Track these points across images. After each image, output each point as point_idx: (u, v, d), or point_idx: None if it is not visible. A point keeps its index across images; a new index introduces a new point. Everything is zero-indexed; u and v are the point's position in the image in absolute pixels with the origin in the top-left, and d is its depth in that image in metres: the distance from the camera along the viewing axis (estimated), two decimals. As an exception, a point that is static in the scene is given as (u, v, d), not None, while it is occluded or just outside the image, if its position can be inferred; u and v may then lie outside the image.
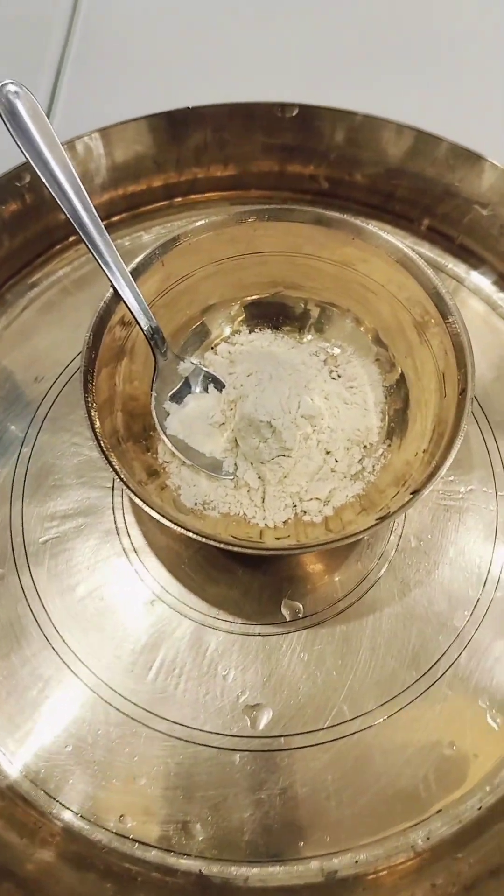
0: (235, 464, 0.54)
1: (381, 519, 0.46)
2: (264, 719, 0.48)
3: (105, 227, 0.50)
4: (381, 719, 0.48)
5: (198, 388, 0.56)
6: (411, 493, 0.46)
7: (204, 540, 0.45)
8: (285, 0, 0.90)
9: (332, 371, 0.59)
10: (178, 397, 0.56)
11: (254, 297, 0.60)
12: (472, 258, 0.67)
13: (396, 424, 0.56)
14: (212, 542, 0.45)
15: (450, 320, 0.50)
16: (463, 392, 0.48)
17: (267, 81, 0.81)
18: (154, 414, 0.54)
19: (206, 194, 0.70)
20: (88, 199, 0.49)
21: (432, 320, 0.52)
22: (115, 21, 0.88)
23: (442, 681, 0.49)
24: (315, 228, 0.54)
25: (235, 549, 0.45)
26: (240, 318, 0.61)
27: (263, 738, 0.48)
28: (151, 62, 0.84)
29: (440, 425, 0.50)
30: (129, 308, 0.51)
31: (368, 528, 0.46)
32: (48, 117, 0.76)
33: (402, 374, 0.56)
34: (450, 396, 0.50)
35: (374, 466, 0.55)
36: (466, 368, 0.48)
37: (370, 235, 0.53)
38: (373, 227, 0.53)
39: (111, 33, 0.87)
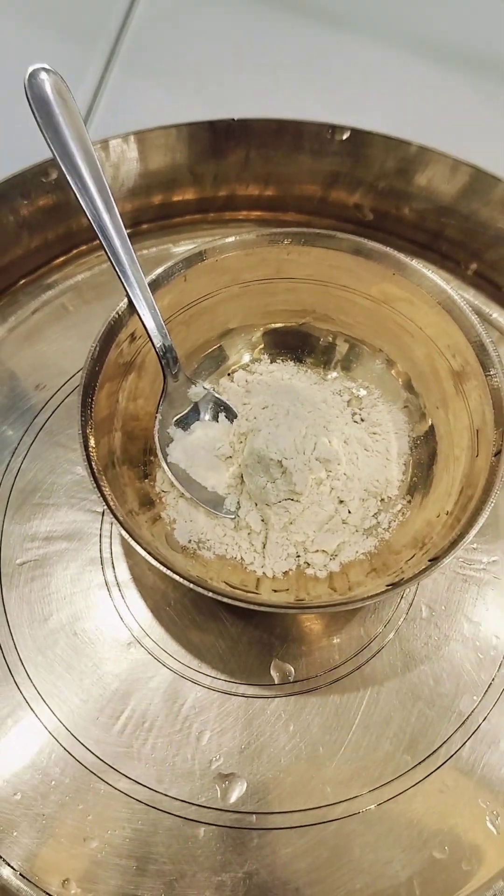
0: (238, 502, 0.50)
1: (393, 585, 0.41)
2: (237, 792, 0.44)
3: (131, 235, 0.46)
4: (367, 808, 0.43)
5: (207, 416, 0.52)
6: (430, 561, 0.42)
7: (189, 584, 0.40)
8: (347, 16, 0.87)
9: (355, 414, 0.54)
10: (184, 423, 0.51)
11: (279, 325, 0.56)
12: (520, 310, 0.62)
13: (420, 480, 0.51)
14: (196, 588, 0.40)
15: (491, 373, 0.46)
16: (498, 454, 0.43)
17: (320, 102, 0.77)
18: (156, 438, 0.50)
19: (243, 212, 0.66)
20: (112, 200, 0.45)
21: (472, 372, 0.47)
22: (167, 25, 0.85)
23: (440, 772, 0.44)
24: (353, 259, 0.50)
25: (222, 598, 0.40)
26: (260, 347, 0.56)
27: (233, 813, 0.43)
28: (202, 70, 0.80)
29: (469, 487, 0.45)
30: (142, 321, 0.47)
31: (377, 595, 0.41)
32: (89, 115, 0.75)
33: (431, 426, 0.52)
34: (482, 457, 0.45)
35: (390, 523, 0.50)
36: (504, 429, 0.44)
37: (413, 272, 0.49)
38: (416, 263, 0.49)
39: (163, 37, 0.84)
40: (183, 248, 0.65)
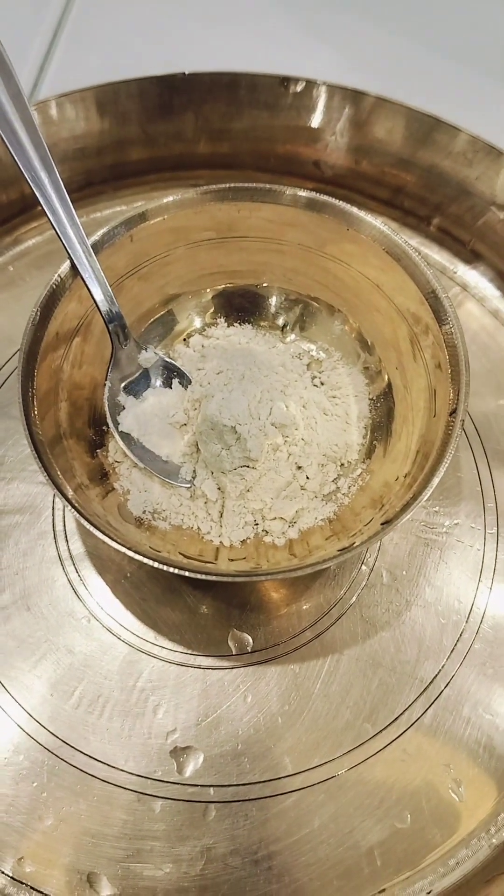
0: (194, 471, 0.49)
1: (344, 550, 0.40)
2: (194, 764, 0.43)
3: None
4: (327, 778, 0.42)
5: (159, 382, 0.50)
6: (382, 524, 0.40)
7: (139, 558, 0.39)
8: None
9: (314, 377, 0.53)
10: (135, 390, 0.50)
11: (231, 287, 0.54)
12: (483, 265, 0.60)
13: (379, 442, 0.49)
14: (146, 560, 0.39)
15: (446, 328, 0.44)
16: (453, 413, 0.42)
17: (274, 54, 0.74)
18: (106, 407, 0.48)
19: (198, 171, 0.64)
20: (51, 158, 0.43)
21: (428, 327, 0.45)
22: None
23: (401, 739, 0.43)
24: (306, 215, 0.48)
25: (172, 570, 0.39)
26: (211, 310, 0.54)
27: (190, 787, 0.42)
28: (154, 24, 0.77)
29: (425, 446, 0.44)
30: (86, 285, 0.45)
31: (329, 560, 0.40)
32: (40, 75, 0.72)
33: (388, 385, 0.50)
34: (439, 416, 0.44)
35: (349, 487, 0.49)
36: (460, 386, 0.42)
37: (365, 225, 0.47)
38: (367, 215, 0.47)
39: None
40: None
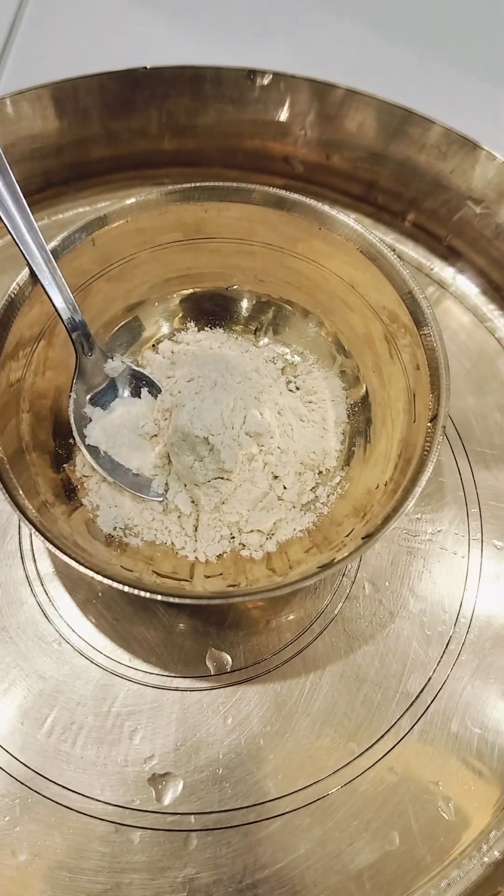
0: (166, 484, 0.47)
1: (325, 567, 0.38)
2: (173, 792, 0.41)
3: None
4: (312, 801, 0.41)
5: (126, 392, 0.48)
6: (363, 538, 0.39)
7: (107, 582, 0.37)
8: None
9: (289, 382, 0.51)
10: (102, 401, 0.48)
11: (200, 289, 0.52)
12: (460, 261, 0.59)
13: (358, 447, 0.48)
14: (115, 585, 0.37)
15: (425, 331, 0.42)
16: (434, 420, 0.40)
17: (238, 48, 0.72)
18: (72, 419, 0.46)
19: (164, 169, 0.61)
20: (4, 160, 0.41)
21: (406, 329, 0.44)
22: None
23: (388, 758, 0.42)
24: (276, 213, 0.47)
25: (142, 594, 0.37)
26: (179, 315, 0.52)
27: (170, 815, 0.41)
28: (113, 18, 0.75)
29: (407, 450, 0.42)
30: (46, 291, 0.43)
31: (307, 578, 0.38)
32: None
33: (366, 388, 0.48)
34: (420, 420, 0.42)
35: (329, 496, 0.47)
36: (440, 391, 0.41)
37: (337, 224, 0.45)
38: (339, 213, 0.45)
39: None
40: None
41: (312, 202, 0.45)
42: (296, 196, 0.46)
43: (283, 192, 0.46)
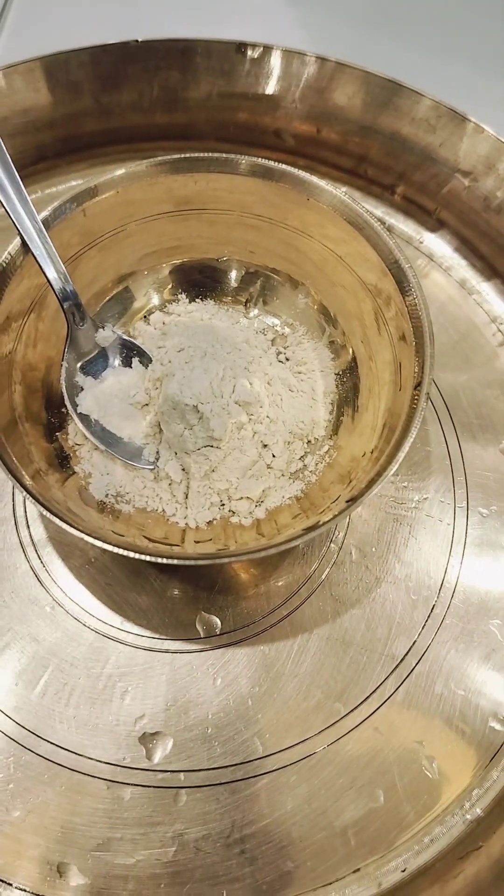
0: (157, 452, 0.47)
1: (310, 529, 0.39)
2: (163, 750, 0.42)
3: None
4: (299, 759, 0.42)
5: (117, 362, 0.49)
6: (347, 501, 0.39)
7: (99, 544, 0.38)
8: None
9: (279, 353, 0.52)
10: (93, 370, 0.48)
11: (190, 260, 0.52)
12: (449, 234, 0.59)
13: (345, 416, 0.49)
14: (108, 547, 0.38)
15: (409, 300, 0.43)
16: (418, 386, 0.41)
17: (233, 20, 0.72)
18: (64, 388, 0.47)
19: (156, 143, 0.62)
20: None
21: (392, 299, 0.44)
22: None
23: (373, 718, 0.43)
24: (264, 184, 0.47)
25: (131, 555, 0.38)
26: (169, 286, 0.53)
27: (160, 773, 0.41)
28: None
29: (392, 419, 0.43)
30: (38, 262, 0.43)
31: (293, 539, 0.38)
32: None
33: (354, 358, 0.49)
34: (405, 389, 0.43)
35: (317, 465, 0.48)
36: (424, 358, 0.41)
37: (324, 194, 0.45)
38: (326, 184, 0.45)
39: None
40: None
41: (299, 172, 0.46)
42: (283, 166, 0.46)
43: (270, 163, 0.46)
